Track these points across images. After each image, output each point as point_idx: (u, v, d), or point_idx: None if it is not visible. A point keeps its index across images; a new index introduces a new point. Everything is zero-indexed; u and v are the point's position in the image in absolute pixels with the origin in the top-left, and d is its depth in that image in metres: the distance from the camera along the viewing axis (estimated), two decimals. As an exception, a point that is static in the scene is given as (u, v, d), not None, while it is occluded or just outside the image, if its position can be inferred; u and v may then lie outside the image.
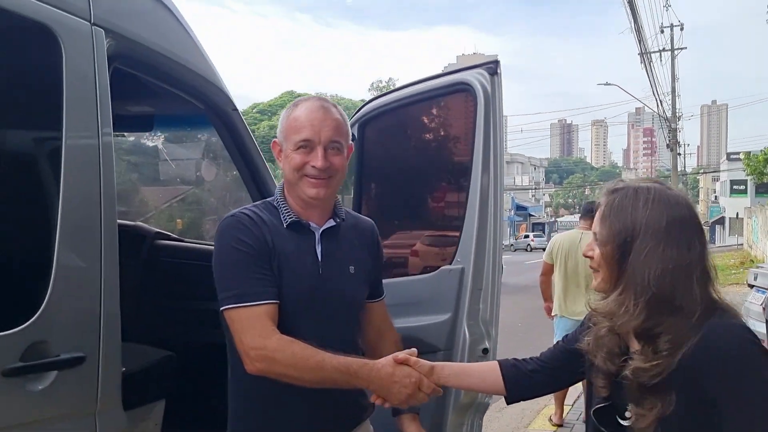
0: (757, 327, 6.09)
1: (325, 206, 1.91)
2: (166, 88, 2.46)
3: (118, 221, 2.01)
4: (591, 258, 1.62)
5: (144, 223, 3.21)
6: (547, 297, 6.08)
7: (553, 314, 5.88)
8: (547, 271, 5.97)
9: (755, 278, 7.50)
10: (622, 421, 1.56)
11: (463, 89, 2.48)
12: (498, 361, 1.90)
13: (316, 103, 1.86)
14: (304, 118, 1.84)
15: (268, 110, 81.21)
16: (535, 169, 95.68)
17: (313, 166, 1.81)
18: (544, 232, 63.67)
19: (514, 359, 1.89)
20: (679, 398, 1.43)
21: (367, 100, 2.88)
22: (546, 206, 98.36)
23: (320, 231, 1.90)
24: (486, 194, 2.44)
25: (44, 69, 1.89)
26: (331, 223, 1.92)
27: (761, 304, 6.69)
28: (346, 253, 1.93)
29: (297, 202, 1.89)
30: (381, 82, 69.21)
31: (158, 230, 3.25)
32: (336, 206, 1.95)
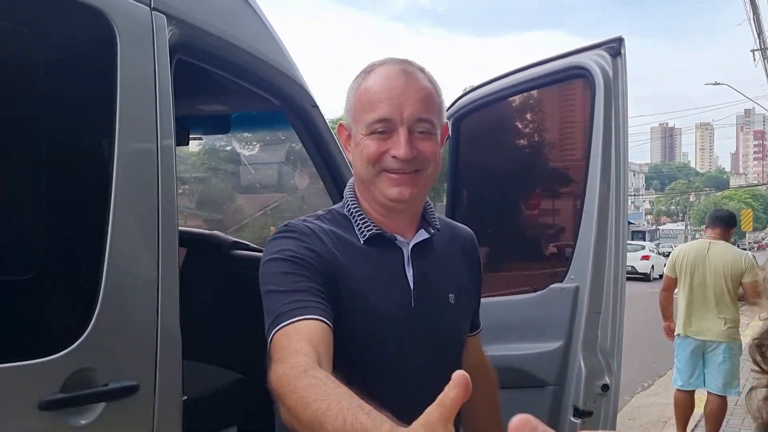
0: None
1: (414, 212, 1.44)
2: (237, 83, 2.22)
3: (192, 230, 1.81)
4: None
5: (221, 233, 3.00)
6: (668, 315, 5.54)
7: (675, 334, 5.32)
8: (669, 286, 5.44)
9: None
10: None
11: (579, 75, 2.11)
12: None
13: (395, 68, 1.35)
14: (379, 88, 1.33)
15: None
16: (634, 175, 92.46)
17: (395, 156, 1.31)
18: (644, 240, 61.39)
19: None
20: None
21: (463, 92, 2.54)
22: (646, 213, 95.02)
23: (410, 247, 1.41)
24: (606, 200, 2.07)
25: (95, 61, 1.68)
26: (423, 235, 1.44)
27: None
28: (445, 277, 1.46)
29: (375, 207, 1.41)
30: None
31: (235, 239, 3.04)
32: (427, 211, 1.47)
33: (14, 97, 1.53)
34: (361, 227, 1.39)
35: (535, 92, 2.38)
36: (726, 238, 5.38)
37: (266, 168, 4.57)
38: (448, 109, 2.59)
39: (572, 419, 2.10)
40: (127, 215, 1.66)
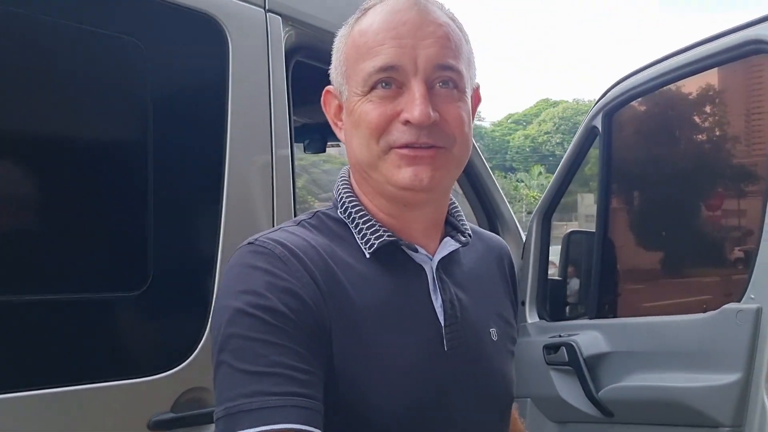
0: None
1: (437, 211, 1.00)
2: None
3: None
4: None
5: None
6: None
7: None
8: None
9: None
10: None
11: (759, 50, 1.75)
12: None
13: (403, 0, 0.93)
14: (379, 26, 0.91)
15: (523, 119, 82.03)
16: None
17: (407, 121, 0.89)
18: None
19: None
20: None
21: (616, 81, 2.24)
22: None
23: (435, 263, 0.97)
24: None
25: (205, 68, 1.64)
26: (451, 245, 1.00)
27: None
28: (484, 305, 1.04)
29: (380, 203, 0.97)
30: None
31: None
32: (453, 213, 1.05)
33: (127, 109, 1.52)
34: (366, 234, 0.94)
35: (701, 75, 2.04)
36: None
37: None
38: (597, 102, 2.30)
39: None
40: (239, 227, 1.61)
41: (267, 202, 1.69)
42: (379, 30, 0.91)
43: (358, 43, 0.93)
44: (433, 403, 0.92)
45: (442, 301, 0.95)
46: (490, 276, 1.10)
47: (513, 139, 75.11)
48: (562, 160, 2.50)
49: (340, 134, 1.00)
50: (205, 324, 1.54)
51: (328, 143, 3.06)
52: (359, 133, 0.92)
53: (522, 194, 43.92)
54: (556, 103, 76.34)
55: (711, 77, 2.06)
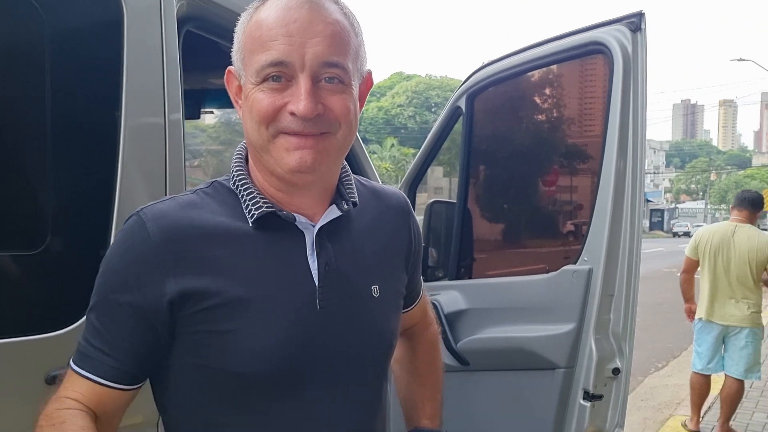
0: None
1: (323, 185, 1.08)
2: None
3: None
4: None
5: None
6: (689, 297, 5.48)
7: (696, 318, 5.27)
8: (690, 267, 5.37)
9: None
10: None
11: (597, 51, 2.05)
12: None
13: None
14: (273, 21, 0.98)
15: (377, 91, 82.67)
16: (654, 152, 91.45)
17: (293, 113, 0.97)
18: (662, 219, 61.03)
19: None
20: None
21: (477, 67, 2.48)
22: (665, 192, 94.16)
23: (316, 230, 1.07)
24: (622, 180, 2.02)
25: (100, 34, 1.65)
26: (334, 213, 1.09)
27: None
28: (366, 264, 1.13)
29: (270, 180, 1.06)
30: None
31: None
32: (342, 182, 1.13)
33: (21, 73, 1.51)
34: (249, 205, 1.04)
35: (553, 67, 2.33)
36: (752, 221, 5.27)
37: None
38: (461, 85, 2.54)
39: (582, 402, 2.07)
40: (134, 189, 1.65)
41: (160, 164, 1.73)
42: (272, 25, 0.97)
43: (254, 35, 0.99)
44: (304, 357, 1.02)
45: (318, 264, 1.04)
46: (385, 233, 1.18)
47: (367, 110, 75.72)
48: (429, 135, 2.71)
49: (239, 112, 1.06)
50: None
51: (202, 110, 3.08)
52: (252, 118, 1.00)
53: (375, 165, 44.57)
54: (409, 77, 76.73)
55: (556, 70, 2.35)
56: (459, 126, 2.57)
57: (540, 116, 2.65)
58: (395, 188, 1.33)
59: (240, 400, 1.02)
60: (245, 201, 1.04)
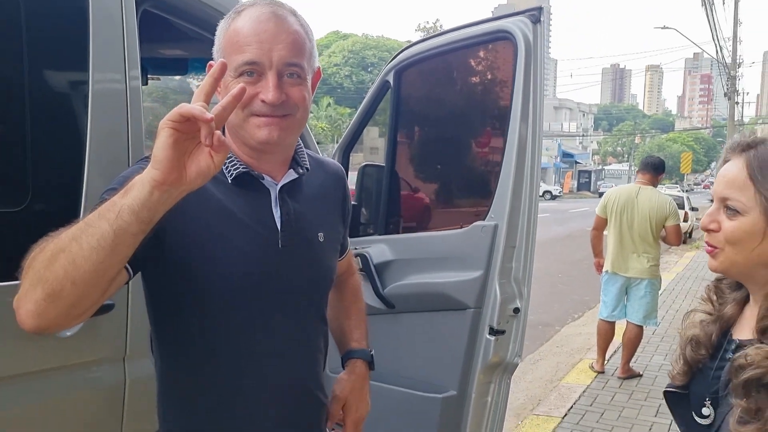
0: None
1: (284, 154, 1.41)
2: (197, 32, 2.41)
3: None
4: (714, 231, 1.27)
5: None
6: (598, 252, 5.98)
7: (603, 270, 5.79)
8: (600, 225, 5.85)
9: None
10: (698, 419, 1.30)
11: (504, 37, 2.36)
12: None
13: (266, 10, 1.31)
14: (248, 30, 1.28)
15: None
16: (583, 115, 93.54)
17: (263, 100, 1.27)
18: (590, 180, 62.85)
19: None
20: None
21: (404, 46, 2.77)
22: (593, 154, 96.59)
23: (278, 187, 1.39)
24: (523, 149, 2.34)
25: (70, 11, 1.86)
26: (292, 175, 1.41)
27: None
28: (314, 216, 1.45)
29: (244, 149, 1.36)
30: (428, 23, 67.77)
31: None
32: (297, 153, 1.45)
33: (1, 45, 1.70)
34: (228, 166, 1.33)
35: (465, 50, 2.63)
36: (654, 184, 5.76)
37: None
38: (390, 62, 2.82)
39: (488, 337, 2.38)
40: (101, 151, 1.85)
41: (122, 122, 1.92)
42: (247, 33, 1.28)
43: (233, 40, 1.29)
44: (266, 281, 1.34)
45: (281, 213, 1.36)
46: (327, 194, 1.53)
47: (303, 69, 73.69)
48: (361, 105, 2.98)
49: (219, 98, 1.25)
50: None
51: (149, 77, 3.26)
52: None
53: (311, 125, 43.98)
54: (346, 36, 74.78)
55: (471, 51, 2.67)
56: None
57: (457, 91, 2.95)
58: (334, 160, 1.66)
59: (214, 310, 1.32)
60: (225, 164, 1.32)
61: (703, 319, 1.35)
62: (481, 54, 2.66)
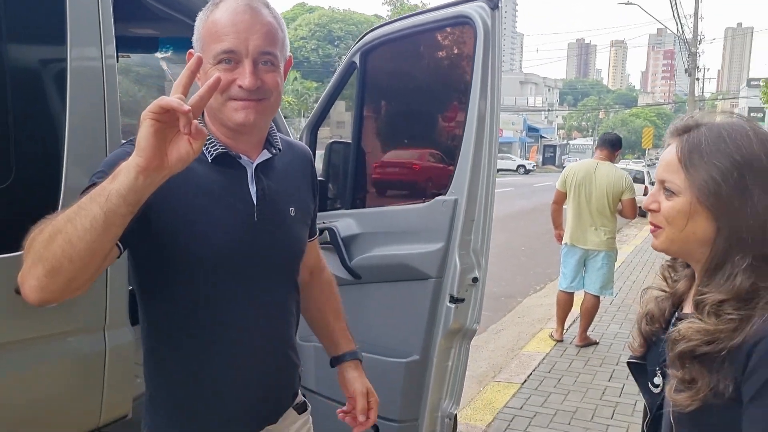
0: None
1: (259, 135, 1.53)
2: (169, 13, 2.49)
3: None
4: (655, 211, 1.33)
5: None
6: (558, 225, 6.20)
7: (563, 242, 6.01)
8: (559, 199, 6.06)
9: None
10: (652, 388, 1.40)
11: (464, 22, 2.47)
12: None
13: (242, 2, 1.42)
14: (225, 21, 1.39)
15: None
16: (549, 90, 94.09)
17: (240, 86, 1.39)
18: (555, 154, 63.49)
19: None
20: (725, 382, 1.19)
21: (370, 28, 2.87)
22: (559, 128, 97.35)
23: (254, 166, 1.51)
24: (482, 128, 2.47)
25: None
26: (266, 155, 1.54)
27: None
28: (286, 193, 1.58)
29: (222, 131, 1.48)
30: (395, -5, 67.11)
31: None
32: (270, 134, 1.57)
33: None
34: (208, 147, 1.45)
35: (428, 33, 2.74)
36: (611, 159, 5.98)
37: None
38: (356, 43, 2.92)
39: (448, 305, 2.53)
40: (80, 125, 1.92)
41: (99, 98, 1.99)
42: (225, 24, 1.38)
43: (212, 30, 1.40)
44: (243, 250, 1.46)
45: (257, 189, 1.48)
46: (296, 173, 1.65)
47: (269, 42, 72.47)
48: (329, 85, 3.08)
49: (199, 83, 1.36)
50: (56, 208, 1.80)
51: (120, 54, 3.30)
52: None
53: (278, 99, 43.42)
54: (312, 9, 73.68)
55: (434, 34, 2.78)
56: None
57: (421, 71, 3.06)
58: (302, 143, 1.79)
59: (203, 286, 1.45)
60: (206, 144, 1.43)
61: (657, 296, 1.45)
62: (443, 37, 2.78)
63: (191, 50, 1.45)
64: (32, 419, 1.87)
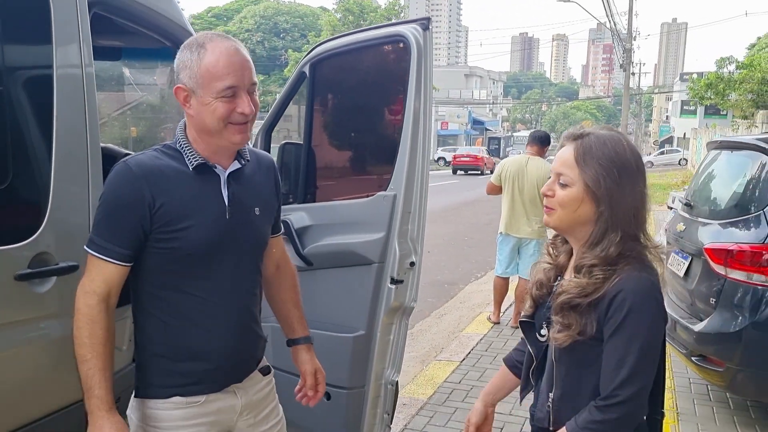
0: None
1: (234, 149, 1.86)
2: (138, 29, 2.78)
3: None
4: (550, 197, 1.69)
5: (114, 145, 3.51)
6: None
7: (498, 232, 6.44)
8: (492, 191, 6.49)
9: (672, 201, 8.18)
10: (539, 338, 1.77)
11: (400, 40, 2.81)
12: (504, 361, 2.05)
13: (231, 45, 1.74)
14: (224, 62, 1.70)
15: (224, 14, 77.72)
16: (493, 83, 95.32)
17: (242, 113, 1.73)
18: (499, 147, 64.47)
19: (514, 352, 2.02)
20: (591, 324, 1.60)
21: (318, 42, 3.21)
22: (503, 121, 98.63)
23: (226, 174, 1.84)
24: (416, 132, 2.79)
25: (35, 15, 2.18)
26: (237, 165, 1.87)
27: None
28: (252, 195, 1.91)
29: (210, 147, 1.81)
30: (339, -11, 66.77)
31: (127, 152, 3.55)
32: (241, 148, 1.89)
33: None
34: (190, 158, 1.79)
35: (369, 49, 3.10)
36: (541, 154, 6.45)
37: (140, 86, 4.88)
38: (306, 55, 3.24)
39: (389, 286, 2.85)
40: (66, 132, 2.17)
41: (81, 109, 2.25)
42: (224, 65, 1.70)
43: (212, 71, 1.69)
44: (221, 244, 1.81)
45: (228, 193, 1.83)
46: (262, 179, 1.98)
47: (213, 34, 70.48)
48: (282, 91, 3.38)
49: (188, 111, 1.77)
50: (46, 208, 2.11)
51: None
52: (213, 117, 1.72)
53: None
54: (257, 1, 72.31)
55: (374, 50, 3.13)
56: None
57: (364, 81, 3.39)
58: (267, 153, 2.15)
59: (187, 269, 1.80)
60: (187, 156, 1.80)
61: (545, 267, 1.85)
62: (382, 52, 3.13)
63: (180, 86, 1.75)
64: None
